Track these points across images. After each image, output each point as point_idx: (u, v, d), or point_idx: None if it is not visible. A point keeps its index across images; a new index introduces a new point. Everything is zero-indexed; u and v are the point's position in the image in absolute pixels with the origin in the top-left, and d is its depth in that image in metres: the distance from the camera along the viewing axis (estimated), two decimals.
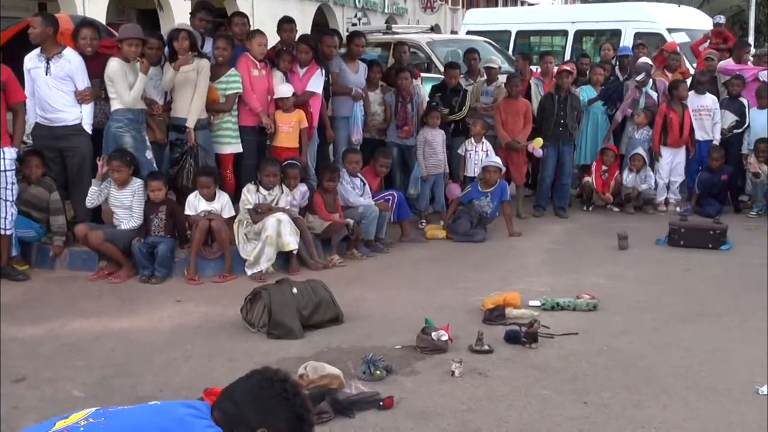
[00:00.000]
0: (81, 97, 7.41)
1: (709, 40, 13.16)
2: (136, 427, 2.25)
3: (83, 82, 7.42)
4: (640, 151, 10.35)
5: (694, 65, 12.69)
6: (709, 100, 10.57)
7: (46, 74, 7.30)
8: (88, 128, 7.51)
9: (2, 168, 6.92)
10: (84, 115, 7.47)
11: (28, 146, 7.71)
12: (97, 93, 7.52)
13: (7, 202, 7.01)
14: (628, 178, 10.35)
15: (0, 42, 8.20)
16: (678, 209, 10.29)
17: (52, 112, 7.41)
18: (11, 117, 7.17)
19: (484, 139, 9.71)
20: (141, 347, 5.56)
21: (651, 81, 10.78)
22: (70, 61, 7.35)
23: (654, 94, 10.73)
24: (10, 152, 6.98)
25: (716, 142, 10.46)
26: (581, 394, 4.81)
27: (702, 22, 15.71)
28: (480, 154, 9.63)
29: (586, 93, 10.68)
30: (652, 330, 5.98)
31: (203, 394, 4.32)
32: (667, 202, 10.60)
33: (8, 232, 7.10)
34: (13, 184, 7.04)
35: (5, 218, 7.02)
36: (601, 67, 11.26)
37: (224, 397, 2.40)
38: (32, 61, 7.39)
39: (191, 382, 4.84)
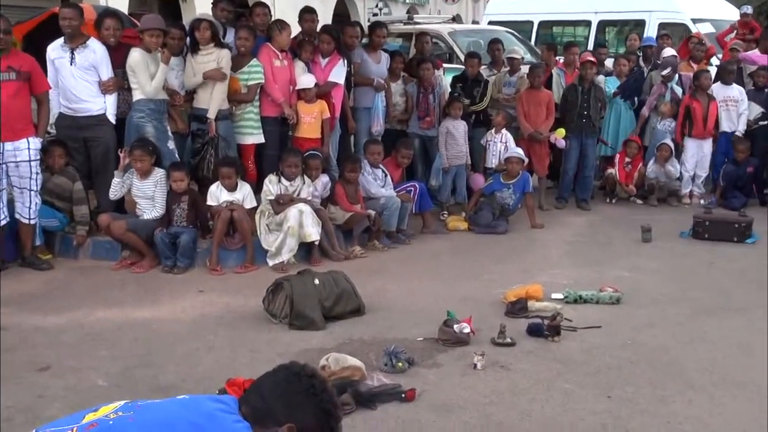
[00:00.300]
0: (105, 88, 7.44)
1: (735, 31, 13.00)
2: (165, 421, 2.24)
3: (107, 72, 7.44)
4: (668, 141, 10.25)
5: (719, 56, 12.54)
6: (736, 90, 10.46)
7: (71, 64, 7.33)
8: (112, 118, 7.54)
9: (27, 158, 6.95)
10: (108, 106, 7.50)
11: (51, 136, 7.74)
12: (120, 83, 7.54)
13: (32, 192, 7.04)
14: (652, 168, 10.26)
15: (23, 32, 8.25)
16: (702, 202, 10.18)
17: (77, 102, 7.43)
18: (35, 107, 7.19)
19: (504, 130, 9.65)
20: (163, 337, 5.58)
21: (677, 76, 10.67)
22: (95, 51, 7.37)
23: (679, 90, 10.61)
24: (35, 142, 7.01)
25: (740, 134, 10.34)
26: (605, 388, 4.78)
27: (728, 12, 15.51)
28: (499, 146, 9.59)
29: (611, 84, 10.59)
30: (677, 324, 5.93)
31: (225, 385, 4.37)
32: (691, 194, 10.49)
33: (33, 222, 7.14)
34: (37, 174, 7.08)
35: (30, 208, 7.06)
36: (626, 59, 11.17)
37: (252, 392, 2.38)
38: (56, 51, 7.40)
39: (213, 373, 4.84)
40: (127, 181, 7.33)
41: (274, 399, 2.33)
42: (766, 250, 8.00)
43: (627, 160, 10.39)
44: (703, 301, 6.49)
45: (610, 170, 10.50)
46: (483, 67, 10.35)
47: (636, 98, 10.71)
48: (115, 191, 7.34)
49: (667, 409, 4.50)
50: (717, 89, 10.46)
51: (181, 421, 2.25)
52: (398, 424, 4.24)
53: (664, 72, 10.47)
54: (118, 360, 5.15)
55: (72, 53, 7.32)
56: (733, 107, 10.40)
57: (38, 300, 6.33)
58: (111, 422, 2.26)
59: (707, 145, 10.45)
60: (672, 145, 10.23)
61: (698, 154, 10.39)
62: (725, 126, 10.39)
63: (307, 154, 7.92)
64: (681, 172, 10.34)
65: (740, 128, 10.37)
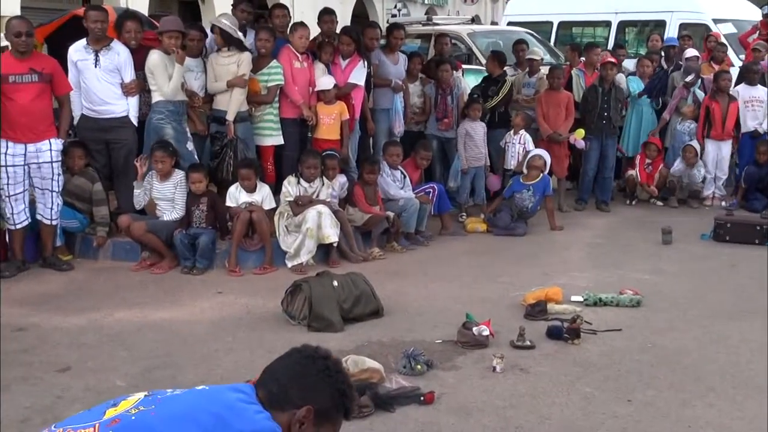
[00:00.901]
0: (127, 90, 7.48)
1: (758, 32, 12.88)
2: (187, 415, 2.25)
3: (130, 74, 7.48)
4: (694, 143, 10.19)
5: (742, 57, 12.44)
6: (761, 91, 10.39)
7: (95, 66, 7.36)
8: (135, 120, 7.59)
9: (49, 159, 7.00)
10: (130, 108, 7.55)
11: (70, 138, 7.79)
12: (142, 85, 7.58)
13: (53, 193, 7.09)
14: (677, 168, 10.18)
15: (45, 35, 8.30)
16: (723, 203, 10.10)
17: (101, 104, 7.47)
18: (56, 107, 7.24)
19: (522, 131, 9.62)
20: (183, 338, 5.59)
21: (699, 80, 10.59)
22: (119, 53, 7.42)
23: (701, 95, 10.52)
24: (57, 144, 7.05)
25: (763, 130, 10.26)
26: (625, 391, 4.74)
27: (750, 12, 15.38)
28: (518, 147, 9.56)
29: (636, 85, 10.53)
30: (698, 327, 5.89)
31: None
32: (712, 196, 10.42)
33: (54, 223, 7.18)
34: (59, 175, 7.12)
35: (51, 209, 7.10)
36: (649, 59, 11.10)
37: (267, 377, 2.40)
38: (79, 53, 7.44)
39: (232, 374, 4.85)
40: (148, 186, 7.36)
41: (289, 382, 2.35)
42: None
43: (647, 161, 10.33)
44: (724, 304, 6.44)
45: (631, 172, 10.44)
46: (507, 67, 10.31)
47: (661, 98, 10.65)
48: (138, 200, 7.39)
49: (688, 413, 4.47)
50: (742, 90, 10.40)
51: (203, 412, 2.25)
52: (417, 426, 4.22)
53: (688, 78, 10.39)
54: (137, 361, 5.17)
55: (96, 55, 7.35)
56: (759, 107, 10.33)
57: (58, 300, 6.37)
58: (133, 417, 2.26)
59: (726, 147, 10.38)
60: (698, 147, 10.16)
61: (717, 155, 10.32)
62: (750, 125, 10.30)
63: (324, 153, 7.92)
64: (704, 175, 10.27)
65: (765, 127, 10.29)
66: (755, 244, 8.29)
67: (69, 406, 4.41)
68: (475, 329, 5.44)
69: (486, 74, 10.38)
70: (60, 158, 7.14)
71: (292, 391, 2.33)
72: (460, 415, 4.40)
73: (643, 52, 13.35)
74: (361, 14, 24.97)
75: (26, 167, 6.95)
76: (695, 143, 10.20)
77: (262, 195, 7.58)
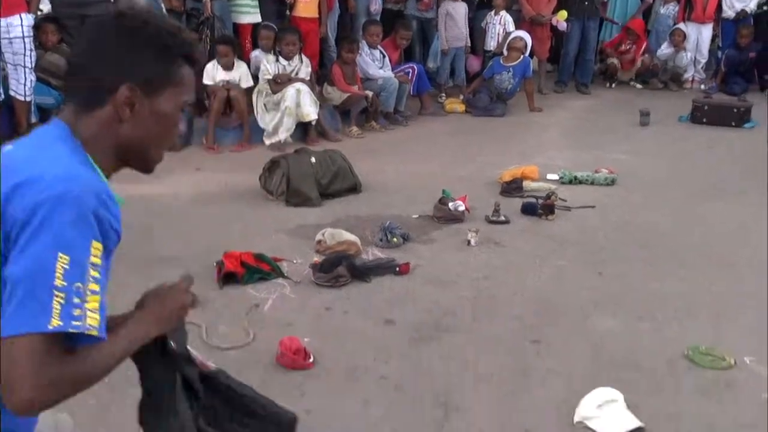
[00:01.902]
0: None
1: None
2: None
3: None
4: (682, 26, 10.10)
5: None
6: None
7: None
8: None
9: (21, 34, 6.85)
10: None
11: (43, 13, 7.60)
12: None
13: (26, 69, 6.97)
14: (664, 52, 10.12)
15: None
16: (703, 87, 10.11)
17: None
18: None
19: (503, 12, 9.49)
20: (160, 213, 5.61)
21: None
22: None
23: None
24: (28, 18, 6.89)
25: (750, 11, 10.15)
26: (597, 265, 4.83)
27: None
28: (498, 28, 9.44)
29: None
30: (672, 206, 5.97)
31: (223, 257, 4.43)
32: (692, 79, 10.41)
33: (28, 99, 7.09)
34: (31, 50, 6.98)
35: (25, 85, 6.99)
36: None
37: (68, 73, 1.69)
38: None
39: (211, 246, 4.88)
40: None
41: (91, 64, 1.63)
42: (764, 135, 7.99)
43: (628, 45, 10.26)
44: (699, 184, 6.52)
45: (612, 60, 10.38)
46: None
47: None
48: None
49: (658, 286, 4.56)
50: None
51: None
52: (392, 295, 4.31)
53: None
54: None
55: None
56: None
57: None
58: None
59: (706, 30, 10.32)
60: (686, 30, 10.08)
61: (698, 38, 10.26)
62: (737, 7, 10.19)
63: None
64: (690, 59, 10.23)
65: (752, 6, 10.18)
66: (732, 126, 8.34)
67: None
68: (451, 204, 5.50)
69: None
70: (31, 33, 6.98)
71: (98, 74, 1.61)
72: (434, 285, 4.48)
73: None
74: None
75: None
76: (683, 26, 10.11)
77: (240, 73, 7.49)
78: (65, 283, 1.39)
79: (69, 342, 1.42)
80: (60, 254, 1.40)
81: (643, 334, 3.89)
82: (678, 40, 10.04)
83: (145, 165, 1.71)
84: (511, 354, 3.64)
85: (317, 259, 4.59)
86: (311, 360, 3.49)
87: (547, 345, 3.74)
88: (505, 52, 8.98)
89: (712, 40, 10.56)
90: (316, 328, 3.85)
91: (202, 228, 5.34)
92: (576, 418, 3.08)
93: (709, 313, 4.15)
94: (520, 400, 3.24)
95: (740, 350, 3.69)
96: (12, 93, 7.02)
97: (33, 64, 7.03)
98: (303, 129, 7.49)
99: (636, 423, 3.02)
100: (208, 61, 7.48)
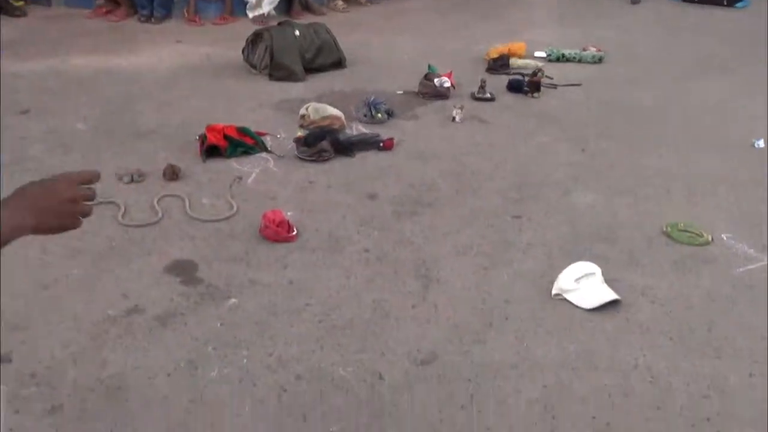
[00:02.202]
0: None
1: None
2: None
3: None
4: None
5: None
6: None
7: None
8: None
9: None
10: None
11: None
12: None
13: None
14: None
15: None
16: None
17: None
18: None
19: None
20: (142, 85, 5.54)
21: None
22: None
23: None
24: None
25: None
26: (580, 142, 4.84)
27: None
28: None
29: None
30: (658, 84, 5.94)
31: (205, 130, 4.39)
32: None
33: None
34: None
35: None
36: None
37: None
38: None
39: (192, 119, 4.84)
40: None
41: None
42: (755, 16, 7.88)
43: None
44: (686, 63, 6.47)
45: None
46: None
47: None
48: None
49: (639, 162, 4.58)
50: None
51: None
52: (376, 170, 4.31)
53: None
54: (97, 106, 5.13)
55: None
56: None
57: (15, 47, 6.21)
58: None
59: None
60: None
61: None
62: None
63: None
64: None
65: None
66: (723, 5, 8.21)
67: (31, 146, 4.42)
68: (436, 80, 5.44)
69: None
70: None
71: None
72: (418, 159, 4.48)
73: None
74: None
75: None
76: None
77: None
78: None
79: None
80: None
81: (622, 209, 3.94)
82: None
83: None
84: (493, 228, 3.68)
85: (301, 133, 4.56)
86: (294, 233, 3.52)
87: (528, 219, 3.78)
88: None
89: None
90: (300, 202, 3.87)
91: (183, 101, 5.28)
92: (554, 291, 3.14)
93: (688, 190, 4.19)
94: (500, 273, 3.30)
95: (718, 227, 3.75)
96: None
97: None
98: (287, 2, 7.32)
99: (613, 296, 3.09)
100: None
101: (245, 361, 2.65)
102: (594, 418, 2.46)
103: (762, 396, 2.59)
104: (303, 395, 2.50)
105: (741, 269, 3.40)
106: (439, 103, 5.32)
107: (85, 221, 1.23)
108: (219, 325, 2.85)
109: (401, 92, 5.51)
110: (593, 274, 3.20)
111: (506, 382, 2.60)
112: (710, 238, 3.64)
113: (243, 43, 5.90)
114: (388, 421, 2.41)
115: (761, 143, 4.84)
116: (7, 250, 1.12)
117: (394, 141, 4.64)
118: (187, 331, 2.80)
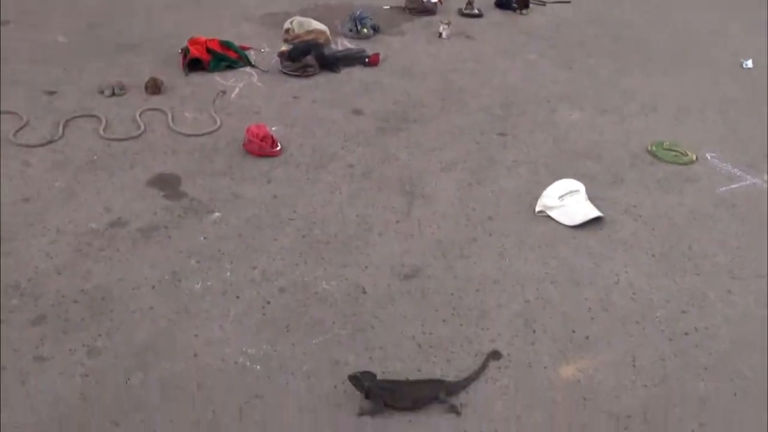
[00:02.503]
0: None
1: None
2: None
3: None
4: None
5: None
6: None
7: None
8: None
9: None
10: None
11: None
12: None
13: None
14: None
15: None
16: None
17: None
18: None
19: None
20: None
21: None
22: None
23: None
24: None
25: None
26: (567, 59, 4.81)
27: None
28: None
29: None
30: (648, 3, 5.86)
31: (188, 43, 4.32)
32: None
33: None
34: None
35: None
36: None
37: None
38: None
39: (176, 31, 4.76)
40: None
41: None
42: None
43: None
44: None
45: None
46: None
47: None
48: None
49: (625, 81, 4.57)
50: None
51: None
52: (361, 85, 4.26)
53: None
54: (79, 18, 5.02)
55: None
56: None
57: None
58: None
59: None
60: None
61: None
62: None
63: None
64: None
65: None
66: None
67: (11, 58, 4.33)
68: None
69: None
70: None
71: None
72: (403, 77, 4.44)
73: None
74: None
75: None
76: None
77: None
78: None
79: None
80: None
81: (608, 127, 3.93)
82: None
83: None
84: (478, 145, 3.67)
85: (285, 47, 4.49)
86: (278, 147, 3.49)
87: (513, 137, 3.76)
88: None
89: None
90: (284, 117, 3.83)
91: (167, 13, 5.18)
92: (538, 208, 3.15)
93: (674, 109, 4.19)
94: (485, 189, 3.29)
95: (703, 146, 3.75)
96: None
97: None
98: None
99: (596, 213, 3.10)
100: None
101: (229, 274, 2.66)
102: (574, 332, 2.49)
103: (739, 312, 2.63)
104: (286, 308, 2.52)
105: (724, 188, 3.42)
106: (426, 18, 5.25)
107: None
108: (203, 238, 2.84)
109: (388, 7, 5.42)
110: (577, 191, 3.20)
111: (488, 297, 2.62)
112: (695, 158, 3.65)
113: None
114: (371, 334, 2.43)
115: (750, 63, 4.82)
116: None
117: (380, 57, 4.58)
118: (170, 244, 2.80)
